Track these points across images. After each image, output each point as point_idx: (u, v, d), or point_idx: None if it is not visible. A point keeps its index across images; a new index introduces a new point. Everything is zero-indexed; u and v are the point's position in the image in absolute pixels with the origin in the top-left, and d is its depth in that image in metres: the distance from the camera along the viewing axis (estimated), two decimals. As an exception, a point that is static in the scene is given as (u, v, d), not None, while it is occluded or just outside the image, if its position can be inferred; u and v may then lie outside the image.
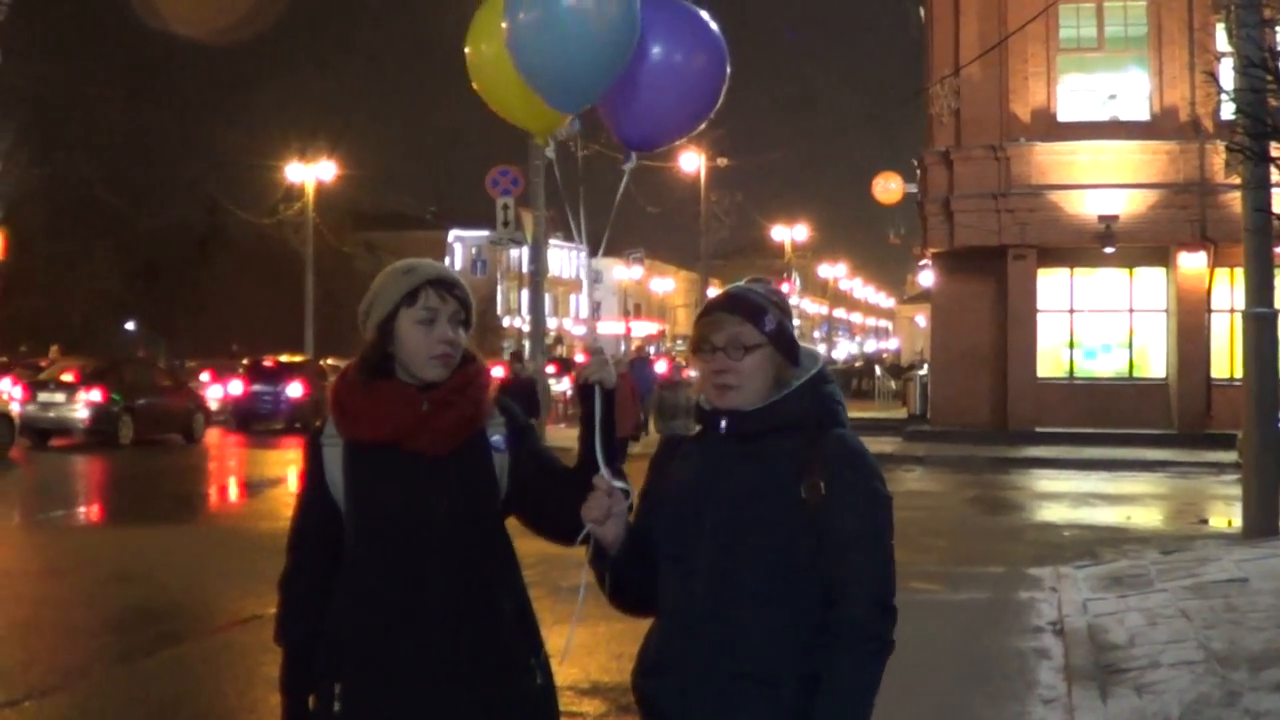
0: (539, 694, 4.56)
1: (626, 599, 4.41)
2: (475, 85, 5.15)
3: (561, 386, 51.44)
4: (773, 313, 4.26)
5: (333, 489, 4.56)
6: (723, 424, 4.25)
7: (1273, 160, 15.59)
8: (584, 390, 4.47)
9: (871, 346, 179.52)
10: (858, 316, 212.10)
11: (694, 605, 4.13)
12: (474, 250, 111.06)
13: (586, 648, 11.49)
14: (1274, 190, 18.12)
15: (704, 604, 4.12)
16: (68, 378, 38.44)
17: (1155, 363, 41.25)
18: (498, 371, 33.42)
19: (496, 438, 4.57)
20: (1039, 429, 39.56)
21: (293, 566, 4.67)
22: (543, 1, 4.63)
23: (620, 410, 5.01)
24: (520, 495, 4.58)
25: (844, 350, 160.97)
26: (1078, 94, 40.75)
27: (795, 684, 4.03)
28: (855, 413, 43.84)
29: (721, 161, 69.22)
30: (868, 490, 4.17)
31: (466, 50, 5.12)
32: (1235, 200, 37.36)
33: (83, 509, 25.40)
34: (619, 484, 4.26)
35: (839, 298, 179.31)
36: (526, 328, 50.91)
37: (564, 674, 10.91)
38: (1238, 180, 20.56)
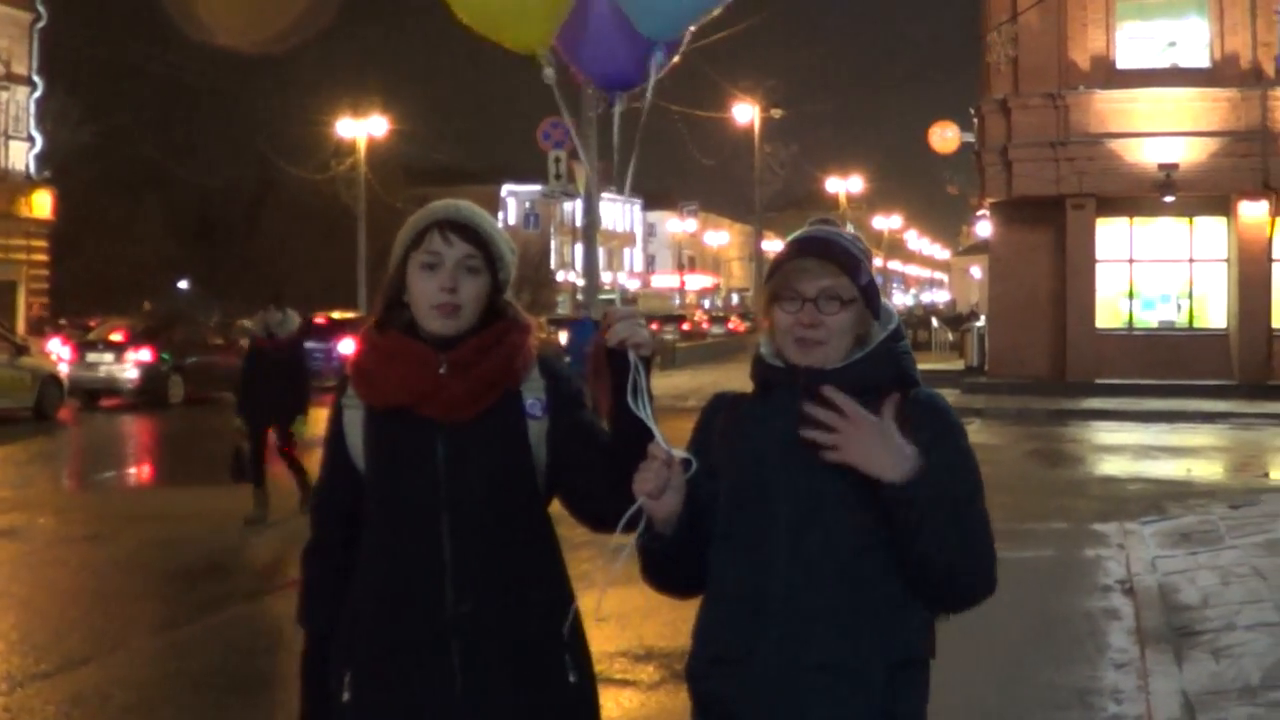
0: (572, 694, 4.06)
1: (666, 579, 3.91)
2: None
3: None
4: (865, 264, 3.79)
5: (354, 456, 4.15)
6: (801, 383, 3.71)
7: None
8: (614, 356, 3.88)
9: (926, 298, 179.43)
10: (913, 269, 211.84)
11: (767, 588, 3.64)
12: (527, 204, 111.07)
13: (641, 612, 11.10)
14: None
15: (779, 586, 3.62)
16: (116, 337, 38.37)
17: (1215, 313, 40.84)
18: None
19: (532, 401, 4.07)
20: (1098, 380, 39.16)
21: (314, 542, 4.26)
22: None
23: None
24: (558, 469, 4.09)
25: (898, 301, 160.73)
26: (1137, 41, 40.30)
27: (882, 676, 3.58)
28: (912, 365, 44.76)
29: (775, 113, 69.10)
30: (963, 452, 3.75)
31: None
32: (1299, 147, 37.30)
33: (131, 470, 25.28)
34: (679, 452, 3.70)
35: (893, 249, 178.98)
36: (581, 282, 50.49)
37: (618, 640, 10.67)
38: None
